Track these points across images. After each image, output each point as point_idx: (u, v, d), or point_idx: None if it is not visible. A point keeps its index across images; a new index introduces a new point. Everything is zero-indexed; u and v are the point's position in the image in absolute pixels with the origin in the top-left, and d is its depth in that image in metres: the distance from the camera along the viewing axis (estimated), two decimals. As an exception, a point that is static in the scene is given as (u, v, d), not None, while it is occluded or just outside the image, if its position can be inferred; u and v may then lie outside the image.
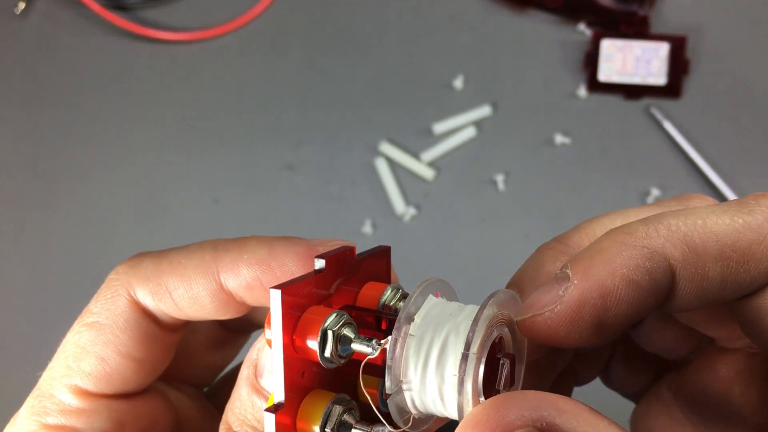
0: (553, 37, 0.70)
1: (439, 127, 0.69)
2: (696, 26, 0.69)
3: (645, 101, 0.68)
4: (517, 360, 0.23)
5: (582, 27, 0.69)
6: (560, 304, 0.21)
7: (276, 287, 0.21)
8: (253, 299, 0.28)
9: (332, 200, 0.68)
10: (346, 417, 0.23)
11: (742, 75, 0.68)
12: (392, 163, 0.69)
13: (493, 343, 0.22)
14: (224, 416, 0.26)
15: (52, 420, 0.27)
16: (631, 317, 0.22)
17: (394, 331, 0.22)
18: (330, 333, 0.22)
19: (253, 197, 0.69)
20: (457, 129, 0.69)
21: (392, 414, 0.22)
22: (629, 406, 0.32)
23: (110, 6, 0.73)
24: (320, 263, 0.23)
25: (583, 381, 0.31)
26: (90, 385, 0.27)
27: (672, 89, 0.67)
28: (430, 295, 0.23)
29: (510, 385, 0.22)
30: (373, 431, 0.22)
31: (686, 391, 0.27)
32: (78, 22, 0.74)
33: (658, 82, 0.67)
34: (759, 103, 0.67)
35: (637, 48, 0.67)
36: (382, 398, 0.23)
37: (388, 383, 0.21)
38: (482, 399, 0.21)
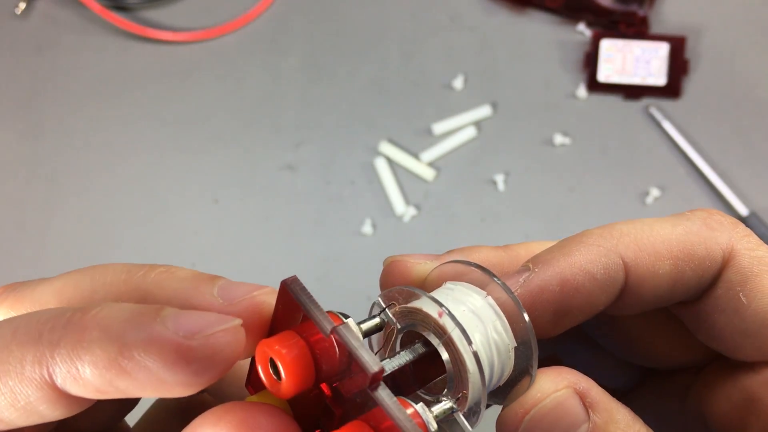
0: (552, 37, 0.70)
1: (439, 128, 0.69)
2: (695, 27, 0.69)
3: (644, 101, 0.68)
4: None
5: (582, 27, 0.69)
6: (521, 288, 0.23)
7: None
8: (115, 393, 0.19)
9: (332, 200, 0.69)
10: None
11: (741, 75, 0.68)
12: (392, 163, 0.69)
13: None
14: None
15: None
16: (586, 309, 0.23)
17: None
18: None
19: (253, 197, 0.69)
20: (457, 129, 0.69)
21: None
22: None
23: (110, 6, 0.73)
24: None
25: None
26: None
27: (671, 89, 0.67)
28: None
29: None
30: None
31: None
32: (78, 22, 0.74)
33: (657, 83, 0.67)
34: (758, 103, 0.67)
35: (636, 48, 0.68)
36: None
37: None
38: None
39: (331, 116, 0.70)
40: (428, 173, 0.68)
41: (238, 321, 0.20)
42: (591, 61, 0.68)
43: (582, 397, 0.22)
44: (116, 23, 0.72)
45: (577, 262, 0.23)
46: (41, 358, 0.19)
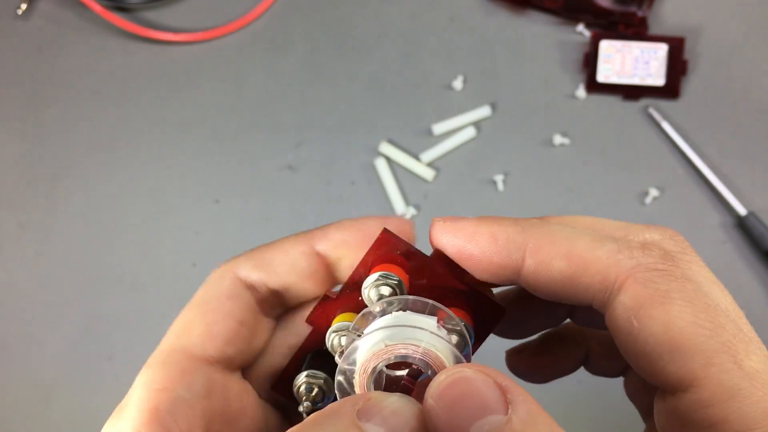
0: (552, 38, 0.70)
1: (439, 128, 0.69)
2: (694, 27, 0.69)
3: (643, 102, 0.68)
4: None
5: (581, 28, 0.70)
6: (448, 222, 0.30)
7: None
8: (342, 257, 0.31)
9: (332, 200, 0.69)
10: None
11: (740, 76, 0.68)
12: (392, 164, 0.69)
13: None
14: None
15: (157, 385, 0.29)
16: (484, 265, 0.28)
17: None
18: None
19: (253, 197, 0.70)
20: (457, 129, 0.69)
21: None
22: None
23: (111, 7, 0.73)
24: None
25: (566, 371, 0.35)
26: (196, 348, 0.29)
27: (670, 90, 0.67)
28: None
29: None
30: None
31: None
32: (79, 23, 0.74)
33: (656, 83, 0.67)
34: (757, 104, 0.67)
35: (635, 49, 0.68)
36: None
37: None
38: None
39: (331, 116, 0.71)
40: (428, 173, 0.68)
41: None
42: (590, 61, 0.68)
43: (503, 392, 0.22)
44: (117, 24, 0.72)
45: (490, 226, 0.28)
46: (308, 233, 0.33)
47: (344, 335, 0.28)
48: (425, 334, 0.25)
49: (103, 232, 0.70)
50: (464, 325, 0.27)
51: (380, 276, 0.27)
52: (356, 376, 0.26)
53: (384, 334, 0.25)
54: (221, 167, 0.71)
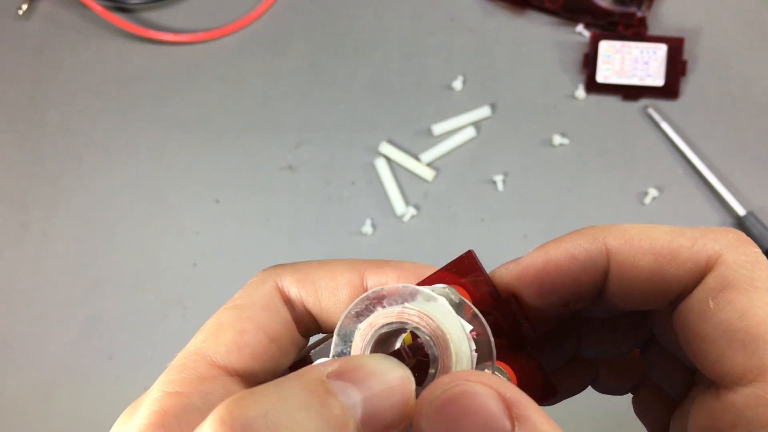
0: (551, 38, 0.70)
1: (439, 128, 0.69)
2: (693, 28, 0.69)
3: (643, 102, 0.68)
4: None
5: (580, 28, 0.70)
6: (513, 262, 0.28)
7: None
8: None
9: (332, 200, 0.69)
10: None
11: (739, 76, 0.68)
12: (392, 164, 0.69)
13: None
14: None
15: (172, 388, 0.27)
16: (570, 287, 0.26)
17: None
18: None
19: (253, 197, 0.70)
20: (457, 130, 0.69)
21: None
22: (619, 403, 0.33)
23: (112, 7, 0.73)
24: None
25: (574, 392, 0.34)
26: (219, 356, 0.27)
27: (669, 90, 0.67)
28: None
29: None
30: None
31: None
32: (80, 23, 0.74)
33: (655, 83, 0.67)
34: (756, 104, 0.67)
35: (635, 49, 0.68)
36: None
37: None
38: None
39: (331, 116, 0.71)
40: (428, 173, 0.68)
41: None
42: (590, 62, 0.68)
43: (508, 406, 0.20)
44: (118, 24, 0.72)
45: (563, 244, 0.26)
46: (362, 261, 0.29)
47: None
48: (450, 319, 0.23)
49: (104, 231, 0.70)
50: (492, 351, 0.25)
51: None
52: (356, 335, 0.24)
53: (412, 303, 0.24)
54: (221, 167, 0.71)
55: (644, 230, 0.26)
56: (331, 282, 0.28)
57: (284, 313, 0.29)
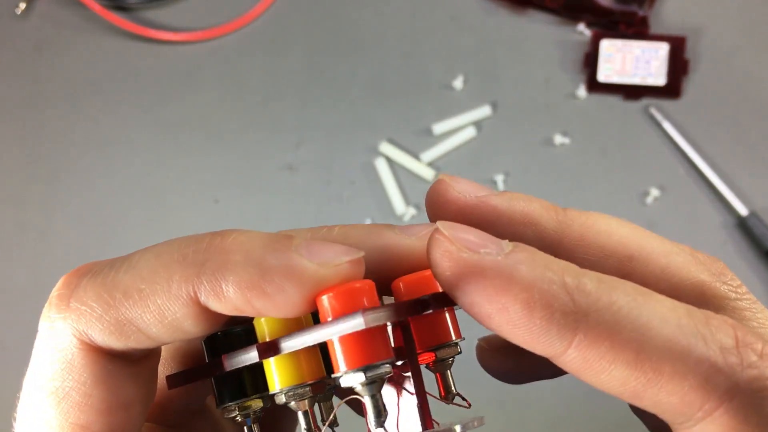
0: (552, 37, 0.70)
1: (439, 128, 0.69)
2: (695, 27, 0.69)
3: (644, 101, 0.68)
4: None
5: (581, 27, 0.69)
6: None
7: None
8: (251, 312, 0.21)
9: (332, 200, 0.69)
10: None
11: (741, 75, 0.68)
12: (392, 163, 0.69)
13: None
14: None
15: None
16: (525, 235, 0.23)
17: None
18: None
19: (253, 197, 0.69)
20: (457, 129, 0.69)
21: None
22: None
23: (111, 6, 0.73)
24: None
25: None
26: None
27: (671, 89, 0.67)
28: None
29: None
30: None
31: None
32: (78, 22, 0.74)
33: (657, 83, 0.67)
34: (758, 104, 0.67)
35: (636, 48, 0.68)
36: None
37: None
38: None
39: (331, 116, 0.70)
40: (428, 173, 0.68)
41: (362, 253, 0.21)
42: (591, 61, 0.68)
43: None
44: (116, 23, 0.72)
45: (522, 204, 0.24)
46: (188, 277, 0.21)
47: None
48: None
49: (103, 231, 0.70)
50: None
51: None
52: None
53: None
54: (221, 167, 0.70)
55: (641, 314, 0.20)
56: (160, 320, 0.22)
57: (119, 372, 0.23)
